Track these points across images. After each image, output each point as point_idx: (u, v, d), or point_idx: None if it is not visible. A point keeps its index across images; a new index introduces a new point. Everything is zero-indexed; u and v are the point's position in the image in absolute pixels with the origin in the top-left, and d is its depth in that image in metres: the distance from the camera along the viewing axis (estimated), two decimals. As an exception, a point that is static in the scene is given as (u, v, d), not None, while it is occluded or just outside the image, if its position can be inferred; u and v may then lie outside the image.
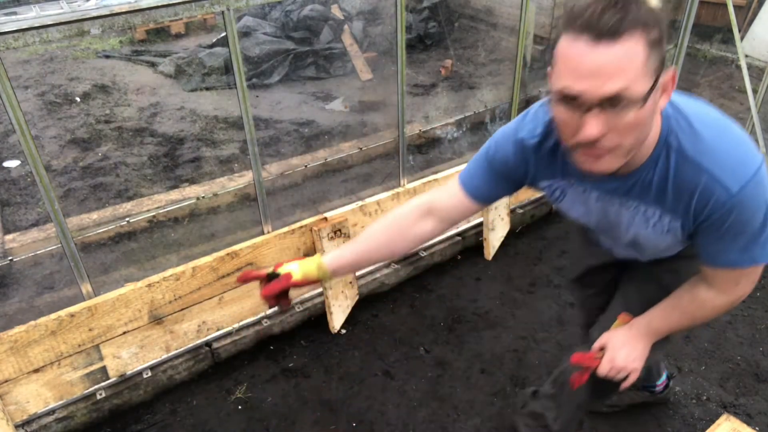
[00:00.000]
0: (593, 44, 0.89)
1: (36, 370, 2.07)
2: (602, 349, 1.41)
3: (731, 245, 1.11)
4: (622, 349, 1.36)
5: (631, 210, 1.19)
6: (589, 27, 0.89)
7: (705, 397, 2.29)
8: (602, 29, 0.88)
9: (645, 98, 0.92)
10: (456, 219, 1.36)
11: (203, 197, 3.44)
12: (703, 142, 1.04)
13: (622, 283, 1.64)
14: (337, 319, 2.67)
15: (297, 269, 1.39)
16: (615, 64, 0.89)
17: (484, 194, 1.32)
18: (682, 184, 1.07)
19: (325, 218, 2.54)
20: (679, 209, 1.12)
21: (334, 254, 1.37)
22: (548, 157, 1.23)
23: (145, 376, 2.33)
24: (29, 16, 1.72)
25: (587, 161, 1.02)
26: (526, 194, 3.31)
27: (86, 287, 2.13)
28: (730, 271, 1.18)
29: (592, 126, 0.93)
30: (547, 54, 5.56)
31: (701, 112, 1.08)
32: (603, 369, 1.37)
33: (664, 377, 2.18)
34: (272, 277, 1.39)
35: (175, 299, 2.27)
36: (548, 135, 1.21)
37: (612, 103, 0.91)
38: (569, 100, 0.94)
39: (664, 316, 1.34)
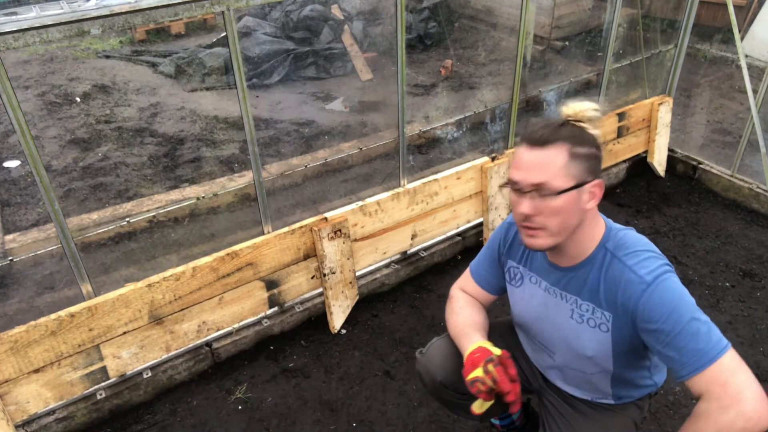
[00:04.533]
0: (528, 149, 1.28)
1: (36, 371, 2.07)
2: None
3: (680, 348, 1.23)
4: None
5: (569, 303, 1.43)
6: (529, 138, 1.29)
7: (705, 397, 2.29)
8: (535, 139, 1.27)
9: (561, 192, 1.25)
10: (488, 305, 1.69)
11: (203, 197, 3.44)
12: (630, 249, 1.34)
13: None
14: (337, 319, 2.67)
15: (493, 348, 1.44)
16: (539, 162, 1.26)
17: (490, 284, 1.64)
18: (611, 279, 1.33)
19: (325, 218, 2.54)
20: (610, 304, 1.34)
21: (480, 335, 1.53)
22: (517, 240, 1.54)
23: (145, 376, 2.33)
24: (29, 16, 1.72)
25: (526, 237, 1.34)
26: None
27: (86, 287, 2.13)
28: (702, 375, 1.22)
29: (524, 205, 1.28)
30: (547, 54, 5.57)
31: (632, 234, 1.40)
32: None
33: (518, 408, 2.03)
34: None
35: (175, 299, 2.27)
36: None
37: (537, 190, 1.26)
38: (513, 185, 1.31)
39: None
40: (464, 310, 1.62)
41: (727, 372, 1.19)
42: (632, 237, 1.38)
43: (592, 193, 1.31)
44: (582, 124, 1.30)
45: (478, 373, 1.37)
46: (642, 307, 1.27)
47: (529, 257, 1.52)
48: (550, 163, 1.25)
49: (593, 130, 1.31)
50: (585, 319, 1.40)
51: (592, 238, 1.37)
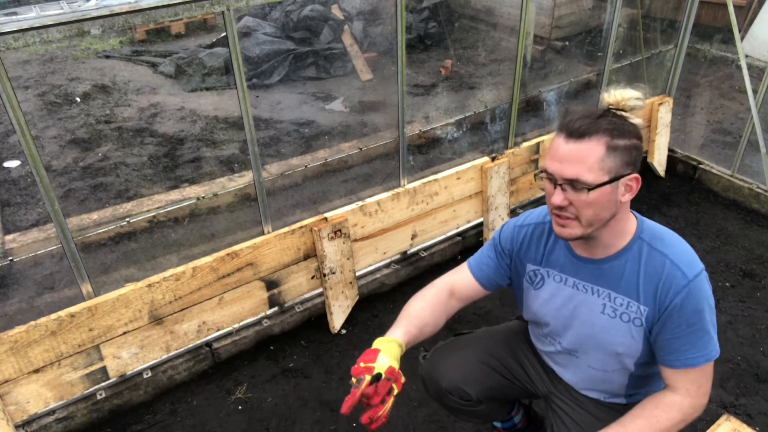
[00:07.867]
0: (565, 140, 1.25)
1: (36, 371, 2.07)
2: None
3: (687, 342, 1.31)
4: None
5: (602, 298, 1.40)
6: (566, 128, 1.25)
7: (705, 397, 2.29)
8: (572, 131, 1.24)
9: (594, 187, 1.23)
10: (472, 299, 1.63)
11: (203, 197, 3.44)
12: (667, 242, 1.35)
13: None
14: (337, 320, 2.67)
15: (388, 360, 1.38)
16: (574, 157, 1.23)
17: (491, 281, 1.59)
18: (651, 271, 1.33)
19: (325, 218, 2.54)
20: (648, 296, 1.34)
21: (403, 332, 1.47)
22: (535, 243, 1.52)
23: (145, 376, 2.33)
24: (29, 16, 1.72)
25: (557, 226, 1.33)
26: (527, 194, 3.31)
27: (86, 287, 2.13)
28: (690, 371, 1.33)
29: (557, 196, 1.27)
30: (547, 54, 5.56)
31: (661, 226, 1.42)
32: None
33: (520, 411, 1.97)
34: (375, 379, 1.35)
35: (176, 299, 2.27)
36: (538, 226, 1.52)
37: (570, 183, 1.25)
38: (548, 175, 1.29)
39: (621, 425, 1.36)
40: (422, 302, 1.56)
41: (706, 378, 1.33)
42: (664, 229, 1.40)
43: (628, 186, 1.29)
44: (624, 113, 1.27)
45: (355, 380, 1.35)
46: (678, 301, 1.29)
47: (551, 256, 1.48)
48: (585, 158, 1.22)
49: (635, 120, 1.27)
50: (618, 313, 1.38)
51: (627, 228, 1.36)
